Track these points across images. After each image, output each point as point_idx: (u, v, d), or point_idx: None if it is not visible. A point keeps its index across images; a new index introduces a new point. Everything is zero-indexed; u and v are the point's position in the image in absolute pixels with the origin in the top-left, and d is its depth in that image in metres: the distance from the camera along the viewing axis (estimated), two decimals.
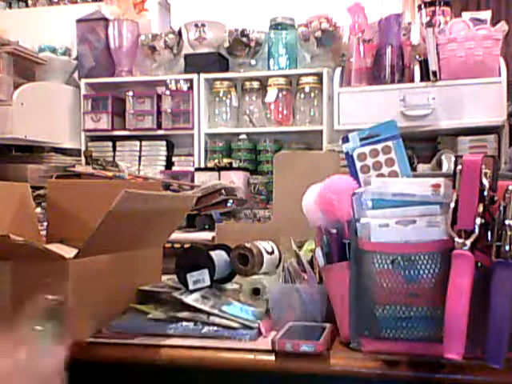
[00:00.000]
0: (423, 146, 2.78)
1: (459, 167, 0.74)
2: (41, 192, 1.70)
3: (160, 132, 3.11)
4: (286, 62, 2.98)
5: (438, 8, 2.74)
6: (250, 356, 0.85)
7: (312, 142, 2.96)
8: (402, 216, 0.76)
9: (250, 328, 0.91)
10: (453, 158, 0.80)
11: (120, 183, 1.77)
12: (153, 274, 1.14)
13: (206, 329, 0.91)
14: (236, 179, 2.68)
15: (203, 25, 3.01)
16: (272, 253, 1.15)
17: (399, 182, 0.82)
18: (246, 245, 1.10)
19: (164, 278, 1.14)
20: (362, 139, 0.92)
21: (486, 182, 0.72)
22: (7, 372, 0.53)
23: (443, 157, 2.52)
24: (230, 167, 2.80)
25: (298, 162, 1.43)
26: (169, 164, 3.12)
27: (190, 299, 0.96)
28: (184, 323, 0.93)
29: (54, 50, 3.12)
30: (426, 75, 2.62)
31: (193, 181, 2.70)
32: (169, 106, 3.06)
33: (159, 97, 3.10)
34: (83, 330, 0.90)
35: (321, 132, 2.89)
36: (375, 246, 0.76)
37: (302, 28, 2.90)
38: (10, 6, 3.57)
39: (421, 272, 0.74)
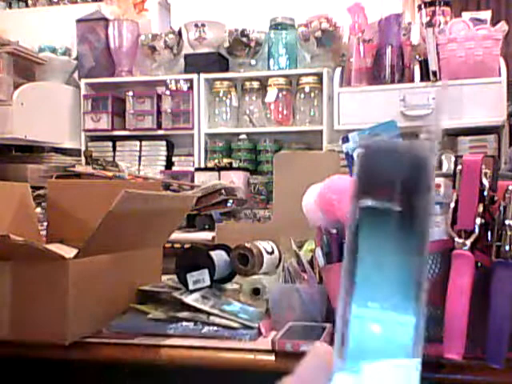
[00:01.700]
0: None
1: (459, 167, 0.74)
2: (41, 192, 1.70)
3: (160, 132, 3.11)
4: (286, 62, 2.98)
5: (438, 8, 2.74)
6: (250, 356, 0.85)
7: (312, 142, 2.96)
8: None
9: (250, 328, 0.91)
10: (453, 158, 0.80)
11: (120, 183, 1.77)
12: (153, 274, 1.14)
13: (205, 329, 0.91)
14: (236, 179, 2.67)
15: (203, 25, 3.01)
16: (272, 253, 1.15)
17: None
18: (246, 245, 1.10)
19: (164, 277, 1.14)
20: None
21: (485, 182, 0.72)
22: None
23: (443, 157, 2.51)
24: (230, 167, 2.80)
25: (298, 162, 1.43)
26: (169, 164, 3.12)
27: (190, 299, 0.96)
28: (184, 323, 0.93)
29: (54, 50, 3.12)
30: (426, 75, 2.62)
31: (193, 181, 2.70)
32: (169, 106, 3.06)
33: (159, 97, 3.10)
34: (83, 330, 0.90)
35: (321, 132, 2.88)
36: None
37: (302, 28, 2.90)
38: (10, 6, 3.57)
39: None
